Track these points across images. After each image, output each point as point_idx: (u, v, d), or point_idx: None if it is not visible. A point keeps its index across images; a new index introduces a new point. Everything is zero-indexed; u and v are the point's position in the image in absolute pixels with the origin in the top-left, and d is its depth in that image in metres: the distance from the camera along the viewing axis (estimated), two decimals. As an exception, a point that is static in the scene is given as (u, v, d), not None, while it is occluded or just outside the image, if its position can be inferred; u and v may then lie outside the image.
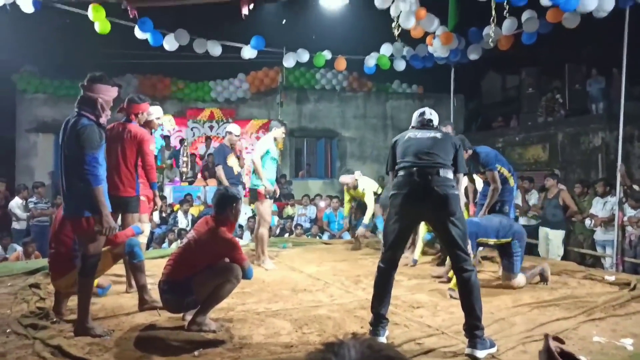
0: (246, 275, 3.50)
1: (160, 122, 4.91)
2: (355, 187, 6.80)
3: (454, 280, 4.32)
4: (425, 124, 3.49)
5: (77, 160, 3.23)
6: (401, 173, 3.30)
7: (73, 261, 3.68)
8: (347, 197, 7.15)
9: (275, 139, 5.83)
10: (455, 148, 3.34)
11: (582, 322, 3.68)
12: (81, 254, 3.43)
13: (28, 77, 13.05)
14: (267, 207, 5.76)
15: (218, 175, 6.29)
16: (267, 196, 5.71)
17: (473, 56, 8.09)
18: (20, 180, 11.58)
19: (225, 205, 3.59)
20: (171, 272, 3.46)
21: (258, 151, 5.72)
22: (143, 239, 4.75)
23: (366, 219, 6.76)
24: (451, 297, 4.30)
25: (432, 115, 3.54)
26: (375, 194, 6.72)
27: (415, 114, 3.59)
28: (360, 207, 7.20)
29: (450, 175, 3.24)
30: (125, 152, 4.26)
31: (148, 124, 4.72)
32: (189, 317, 3.56)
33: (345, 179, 6.86)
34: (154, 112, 4.74)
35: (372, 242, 7.26)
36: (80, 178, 3.23)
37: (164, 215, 9.77)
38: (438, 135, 3.38)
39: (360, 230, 6.91)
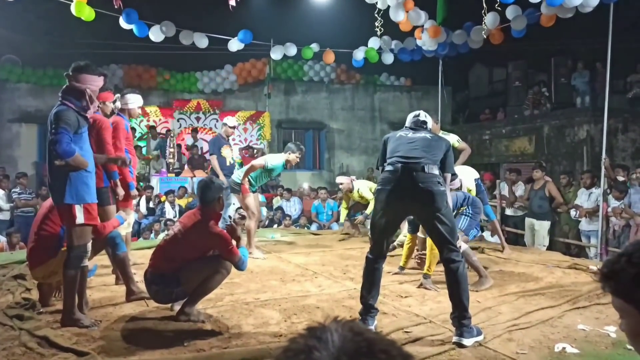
0: (239, 267, 3.47)
1: (139, 112, 4.83)
2: (351, 191, 6.93)
3: (425, 265, 4.44)
4: (419, 125, 3.52)
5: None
6: (387, 169, 3.34)
7: (53, 250, 3.64)
8: (344, 204, 7.32)
9: (286, 160, 5.85)
10: (445, 149, 3.38)
11: (566, 311, 3.75)
12: (67, 245, 3.40)
13: (10, 66, 12.81)
14: (251, 199, 5.81)
15: (212, 165, 6.38)
16: (252, 190, 5.84)
17: (458, 41, 8.09)
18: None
19: (210, 196, 3.53)
20: (157, 264, 3.43)
21: (264, 161, 5.79)
22: (128, 230, 4.70)
23: (368, 210, 6.88)
24: (429, 287, 4.36)
25: (426, 117, 3.59)
26: (371, 191, 6.80)
27: (410, 116, 3.63)
28: (355, 207, 7.41)
29: (435, 171, 3.25)
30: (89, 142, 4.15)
31: (127, 112, 4.65)
32: (177, 307, 3.54)
33: (342, 179, 7.12)
34: (134, 100, 4.68)
35: (363, 233, 7.30)
36: (52, 153, 3.19)
37: (151, 205, 9.70)
38: (429, 135, 3.43)
39: (360, 218, 7.15)
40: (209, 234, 3.42)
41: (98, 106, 4.30)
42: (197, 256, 3.43)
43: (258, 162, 5.86)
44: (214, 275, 3.41)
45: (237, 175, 5.92)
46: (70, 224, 3.30)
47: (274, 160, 5.87)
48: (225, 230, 3.55)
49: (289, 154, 5.84)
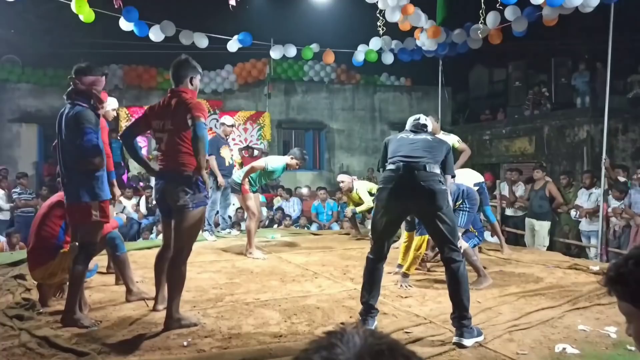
0: (196, 130, 3.22)
1: (114, 114, 4.85)
2: (351, 190, 6.93)
3: (406, 264, 4.47)
4: (419, 128, 3.55)
5: (75, 143, 3.22)
6: (389, 167, 3.35)
7: (52, 252, 3.65)
8: (350, 205, 7.24)
9: (287, 164, 5.88)
10: (446, 152, 3.41)
11: (567, 311, 3.74)
12: (79, 242, 3.41)
13: (10, 66, 12.81)
14: (252, 200, 5.82)
15: (211, 165, 6.38)
16: (252, 190, 5.87)
17: (457, 40, 8.08)
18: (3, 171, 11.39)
19: (182, 74, 3.34)
20: (166, 163, 3.32)
21: (264, 163, 5.83)
22: None
23: (358, 209, 6.90)
24: (404, 286, 4.39)
25: (426, 121, 3.62)
26: (370, 193, 6.78)
27: (410, 119, 3.67)
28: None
29: (437, 170, 3.27)
30: None
31: (104, 115, 4.66)
32: (160, 307, 3.56)
33: (343, 177, 7.11)
34: (109, 102, 4.70)
35: (363, 233, 7.29)
36: (78, 154, 3.20)
37: (150, 206, 9.69)
38: (430, 137, 3.46)
39: (348, 210, 7.08)
40: (186, 103, 3.25)
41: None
42: (188, 136, 3.23)
43: (258, 163, 5.87)
44: (181, 265, 3.32)
45: (238, 175, 5.96)
46: (85, 222, 3.32)
47: (275, 162, 5.88)
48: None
49: (291, 158, 5.86)
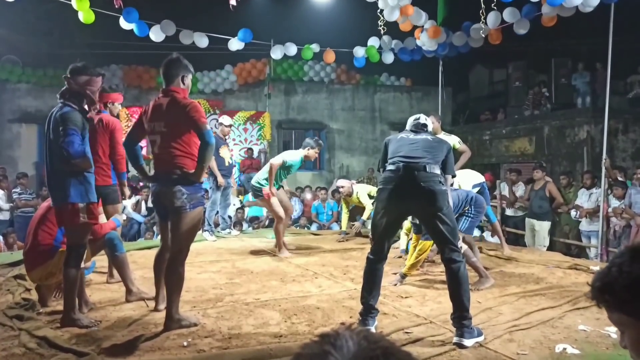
0: (206, 138, 3.20)
1: (119, 107, 4.85)
2: (350, 195, 6.96)
3: (407, 265, 4.48)
4: (419, 128, 3.55)
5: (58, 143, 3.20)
6: (389, 168, 3.35)
7: (50, 252, 3.65)
8: (345, 209, 7.28)
9: (305, 156, 5.87)
10: (446, 151, 3.41)
11: (567, 311, 3.73)
12: (67, 244, 3.40)
13: (10, 67, 12.81)
14: (276, 201, 5.83)
15: (210, 165, 6.37)
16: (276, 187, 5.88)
17: (458, 42, 8.09)
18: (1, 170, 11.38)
19: (174, 72, 3.30)
20: (160, 164, 3.29)
21: (281, 159, 5.80)
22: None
23: (364, 216, 6.94)
24: (397, 284, 4.43)
25: (426, 120, 3.62)
26: (370, 196, 6.79)
27: (410, 119, 3.67)
28: (355, 211, 7.38)
29: (437, 171, 3.26)
30: (98, 141, 4.10)
31: (110, 109, 4.66)
32: (161, 306, 3.55)
33: (342, 182, 7.18)
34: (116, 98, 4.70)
35: (361, 233, 7.29)
36: (61, 155, 3.17)
37: (149, 205, 9.70)
38: (430, 137, 3.46)
39: (357, 225, 7.17)
40: (182, 105, 3.19)
41: (107, 107, 4.33)
42: (182, 137, 3.21)
43: (276, 161, 5.83)
44: (180, 268, 3.29)
45: (256, 179, 5.89)
46: (74, 223, 3.30)
47: (292, 156, 5.88)
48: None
49: (308, 149, 5.86)
